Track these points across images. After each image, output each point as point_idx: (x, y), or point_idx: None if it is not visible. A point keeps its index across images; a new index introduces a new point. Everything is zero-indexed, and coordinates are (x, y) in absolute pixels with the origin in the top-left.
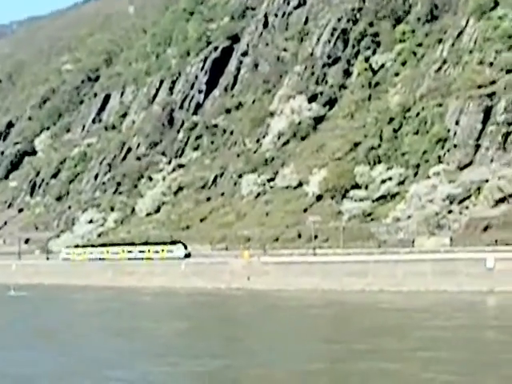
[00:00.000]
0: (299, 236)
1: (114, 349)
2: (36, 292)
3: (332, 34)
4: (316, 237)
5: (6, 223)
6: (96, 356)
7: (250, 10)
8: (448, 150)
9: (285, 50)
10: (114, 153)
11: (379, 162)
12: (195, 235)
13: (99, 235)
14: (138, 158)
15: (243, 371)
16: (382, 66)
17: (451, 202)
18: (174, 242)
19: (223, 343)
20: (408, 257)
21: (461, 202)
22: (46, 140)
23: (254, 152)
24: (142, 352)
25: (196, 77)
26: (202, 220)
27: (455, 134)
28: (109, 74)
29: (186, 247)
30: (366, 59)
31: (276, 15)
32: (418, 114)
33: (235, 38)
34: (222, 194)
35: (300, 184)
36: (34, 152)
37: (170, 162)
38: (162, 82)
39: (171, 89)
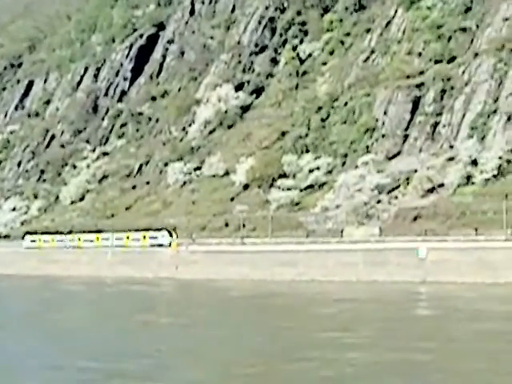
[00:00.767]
0: (226, 225)
1: None
2: None
3: (259, 23)
4: (244, 226)
5: None
6: None
7: None
8: (376, 140)
9: (211, 37)
10: (38, 140)
11: (307, 151)
12: (120, 224)
13: (22, 223)
14: (62, 146)
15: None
16: (310, 55)
17: (380, 192)
18: (159, 229)
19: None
20: (339, 247)
21: (390, 191)
22: None
23: (180, 140)
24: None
25: (121, 64)
26: (127, 208)
27: (383, 123)
28: (32, 60)
29: (171, 234)
30: (294, 48)
31: (203, 2)
32: (346, 104)
33: (161, 26)
34: (148, 183)
35: (227, 173)
36: None
37: (94, 150)
38: (86, 69)
39: (96, 76)
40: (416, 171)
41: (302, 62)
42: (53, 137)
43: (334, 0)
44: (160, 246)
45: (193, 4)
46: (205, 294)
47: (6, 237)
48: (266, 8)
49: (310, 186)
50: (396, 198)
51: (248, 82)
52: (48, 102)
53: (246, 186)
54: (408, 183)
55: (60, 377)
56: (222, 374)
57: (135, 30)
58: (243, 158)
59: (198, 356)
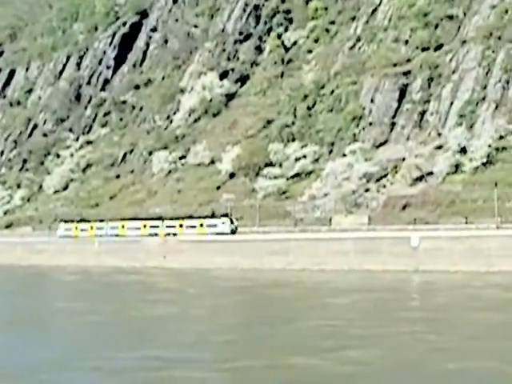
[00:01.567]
0: (213, 214)
1: None
2: None
3: (244, 10)
4: (231, 215)
5: None
6: None
7: None
8: (363, 128)
9: (195, 26)
10: (20, 129)
11: (293, 139)
12: (105, 213)
13: (5, 213)
14: (45, 135)
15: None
16: (295, 42)
17: (368, 181)
18: (213, 215)
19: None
20: (330, 235)
21: (378, 180)
22: None
23: (165, 129)
24: None
25: (104, 52)
26: (111, 198)
27: (370, 111)
28: (13, 48)
29: (232, 221)
30: (279, 36)
31: None
32: (332, 92)
33: (144, 14)
34: (132, 172)
35: (212, 161)
36: None
37: (77, 139)
38: (68, 58)
39: (78, 64)
40: (404, 159)
41: (287, 49)
42: (35, 126)
43: None
44: (220, 234)
45: None
46: (215, 285)
47: None
48: None
49: (297, 175)
50: (384, 186)
51: (233, 70)
52: (30, 91)
53: (232, 175)
54: (396, 171)
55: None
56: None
57: (118, 18)
58: (229, 146)
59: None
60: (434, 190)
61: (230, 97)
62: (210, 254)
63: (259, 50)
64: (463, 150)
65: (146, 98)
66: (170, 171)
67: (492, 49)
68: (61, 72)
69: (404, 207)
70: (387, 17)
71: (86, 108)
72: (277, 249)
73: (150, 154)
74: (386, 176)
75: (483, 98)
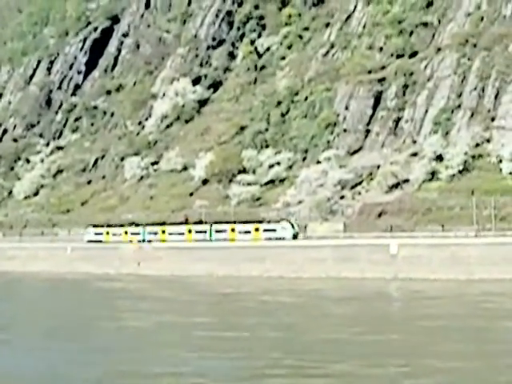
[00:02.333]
0: (186, 221)
1: None
2: None
3: (216, 16)
4: (205, 222)
5: None
6: None
7: None
8: (337, 135)
9: (167, 31)
10: None
11: (267, 146)
12: (77, 219)
13: None
14: (15, 140)
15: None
16: (268, 49)
17: (343, 188)
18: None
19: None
20: (307, 243)
21: (353, 187)
22: None
23: (137, 134)
24: None
25: (75, 57)
26: (83, 204)
27: (345, 118)
28: None
29: (293, 226)
30: (252, 42)
31: None
32: (306, 98)
33: (115, 19)
34: (104, 177)
35: (185, 168)
36: None
37: (48, 144)
38: (39, 62)
39: (49, 69)
40: (379, 167)
41: (260, 56)
42: (5, 131)
43: None
44: (279, 239)
45: None
46: (207, 294)
47: None
48: (224, 1)
49: (271, 182)
50: (359, 193)
51: (205, 76)
52: (0, 96)
53: (205, 181)
54: (372, 179)
55: None
56: None
57: (89, 23)
58: (202, 152)
59: None
60: (410, 197)
61: (203, 103)
62: (186, 260)
63: (232, 56)
64: (439, 158)
65: (118, 103)
66: (142, 177)
67: (467, 56)
68: (31, 77)
69: (380, 214)
70: (361, 24)
71: (56, 113)
72: (253, 256)
73: (122, 159)
74: (361, 183)
75: (459, 106)
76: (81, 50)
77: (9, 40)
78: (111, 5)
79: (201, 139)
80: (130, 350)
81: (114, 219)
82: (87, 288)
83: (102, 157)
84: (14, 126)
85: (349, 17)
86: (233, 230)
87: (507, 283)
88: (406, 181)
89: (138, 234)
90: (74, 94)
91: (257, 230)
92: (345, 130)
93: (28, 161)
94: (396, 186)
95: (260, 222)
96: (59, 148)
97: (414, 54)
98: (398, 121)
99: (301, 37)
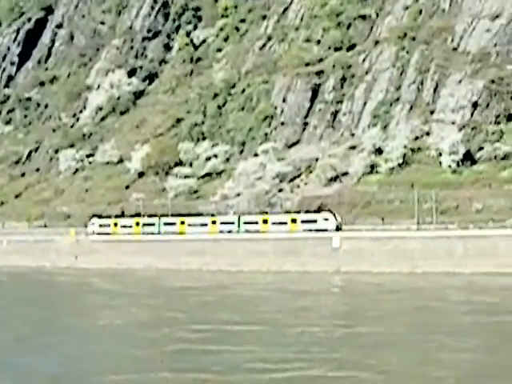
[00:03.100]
0: (123, 214)
1: None
2: None
3: (152, 7)
4: (141, 214)
5: None
6: None
7: None
8: (275, 128)
9: (102, 22)
10: None
11: (203, 138)
12: (10, 212)
13: None
14: None
15: None
16: (204, 41)
17: (281, 181)
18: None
19: None
20: (248, 236)
21: (291, 180)
22: None
23: (71, 127)
24: None
25: (8, 48)
26: (17, 196)
27: (282, 111)
28: None
29: (335, 217)
30: (188, 34)
31: None
32: (243, 91)
33: (49, 9)
34: (38, 170)
35: (121, 160)
36: None
37: None
38: None
39: None
40: (317, 160)
41: (196, 48)
42: None
43: None
44: (319, 231)
45: None
46: (162, 288)
47: None
48: None
49: (208, 174)
50: (298, 186)
51: (141, 67)
52: None
53: (141, 174)
54: (310, 172)
55: None
56: None
57: (23, 14)
58: (138, 145)
59: None
60: (350, 190)
61: (139, 95)
62: (124, 254)
63: (168, 47)
64: (378, 151)
65: (52, 95)
66: (77, 170)
67: (406, 50)
68: None
69: (319, 208)
70: (299, 16)
71: None
72: (193, 249)
73: (57, 152)
74: (299, 176)
75: (397, 99)
76: (14, 40)
77: None
78: None
79: (136, 131)
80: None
81: (49, 212)
82: (25, 281)
83: (36, 149)
84: None
85: (286, 9)
86: (265, 221)
87: (450, 276)
88: (345, 174)
89: (153, 224)
90: (6, 85)
91: (294, 221)
92: (282, 123)
93: None
94: (335, 179)
95: (297, 212)
96: None
97: (351, 47)
98: (336, 114)
99: (237, 29)
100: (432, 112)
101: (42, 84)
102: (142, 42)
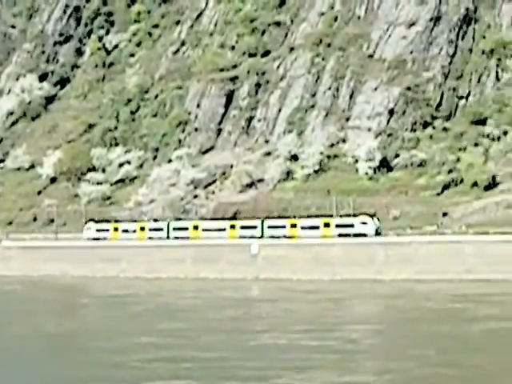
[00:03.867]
0: (35, 219)
1: None
2: None
3: (64, 12)
4: (53, 220)
5: None
6: None
7: None
8: (189, 134)
9: (13, 26)
10: None
11: (116, 144)
12: None
13: None
14: None
15: None
16: (117, 46)
17: (196, 187)
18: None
19: None
20: (166, 242)
21: (206, 186)
22: None
23: None
24: None
25: None
26: None
27: (196, 117)
28: None
29: (373, 220)
30: (100, 38)
31: None
32: (156, 96)
33: None
34: None
35: (32, 166)
36: None
37: None
38: None
39: None
40: (232, 166)
41: (108, 52)
42: None
43: None
44: (357, 236)
45: None
46: (93, 296)
47: None
48: None
49: (121, 180)
50: (213, 192)
51: (52, 72)
52: None
53: (53, 180)
54: (225, 178)
55: None
56: None
57: None
58: (50, 150)
59: None
60: (265, 197)
61: (50, 100)
62: (38, 260)
63: (80, 52)
64: (294, 158)
65: None
66: None
67: (322, 56)
68: None
69: (235, 214)
70: (213, 21)
71: None
72: (109, 256)
73: None
74: (214, 182)
75: (313, 106)
76: None
77: None
78: None
79: (48, 137)
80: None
81: None
82: None
83: None
84: None
85: (200, 14)
86: (293, 225)
87: (370, 284)
88: (261, 180)
89: (161, 230)
90: None
91: (327, 225)
92: (196, 129)
93: None
94: (250, 185)
95: (330, 215)
96: None
97: (266, 53)
98: (250, 120)
99: (150, 34)
100: (348, 119)
101: None
102: (54, 47)
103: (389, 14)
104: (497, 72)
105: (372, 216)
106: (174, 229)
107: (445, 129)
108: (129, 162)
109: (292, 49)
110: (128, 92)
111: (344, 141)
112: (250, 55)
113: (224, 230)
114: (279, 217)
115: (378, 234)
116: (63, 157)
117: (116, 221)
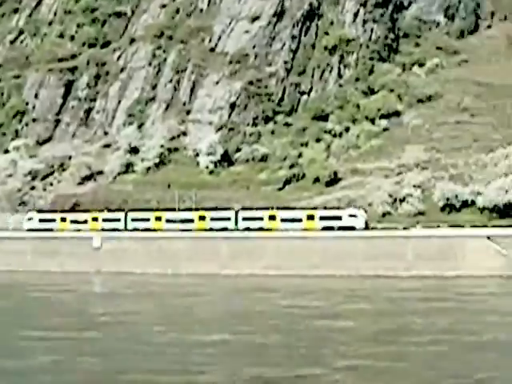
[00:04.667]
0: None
1: None
2: None
3: None
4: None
5: None
6: None
7: None
8: (26, 124)
9: None
10: None
11: None
12: None
13: None
14: None
15: None
16: None
17: (34, 178)
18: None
19: None
20: (5, 234)
21: (44, 178)
22: None
23: None
24: None
25: None
26: None
27: (34, 107)
28: None
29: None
30: None
31: None
32: None
33: None
34: None
35: None
36: None
37: None
38: None
39: None
40: (71, 157)
41: None
42: None
43: None
44: (346, 229)
45: None
46: None
47: None
48: None
49: None
50: (52, 184)
51: None
52: None
53: None
54: (64, 169)
55: None
56: None
57: None
58: None
59: None
60: (105, 189)
61: None
62: None
63: None
64: (134, 150)
65: None
66: None
67: (163, 48)
68: None
69: (74, 206)
70: (52, 10)
71: None
72: None
73: None
74: (52, 174)
75: (153, 98)
76: None
77: None
78: None
79: None
80: None
81: None
82: None
83: None
84: None
85: (39, 3)
86: (272, 217)
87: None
88: (101, 172)
89: (118, 220)
90: None
91: (311, 217)
92: (34, 120)
93: None
94: (90, 177)
95: (314, 208)
96: None
97: (106, 44)
98: (89, 111)
99: None
100: (188, 112)
101: None
102: None
103: (231, 7)
104: (339, 68)
105: (360, 208)
106: (133, 220)
107: (287, 124)
108: None
109: (133, 40)
110: None
111: (185, 134)
112: (90, 46)
113: (192, 221)
114: (220, 208)
115: (367, 227)
116: None
117: (64, 211)
